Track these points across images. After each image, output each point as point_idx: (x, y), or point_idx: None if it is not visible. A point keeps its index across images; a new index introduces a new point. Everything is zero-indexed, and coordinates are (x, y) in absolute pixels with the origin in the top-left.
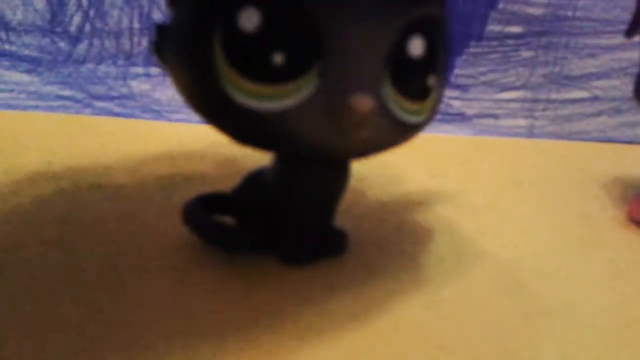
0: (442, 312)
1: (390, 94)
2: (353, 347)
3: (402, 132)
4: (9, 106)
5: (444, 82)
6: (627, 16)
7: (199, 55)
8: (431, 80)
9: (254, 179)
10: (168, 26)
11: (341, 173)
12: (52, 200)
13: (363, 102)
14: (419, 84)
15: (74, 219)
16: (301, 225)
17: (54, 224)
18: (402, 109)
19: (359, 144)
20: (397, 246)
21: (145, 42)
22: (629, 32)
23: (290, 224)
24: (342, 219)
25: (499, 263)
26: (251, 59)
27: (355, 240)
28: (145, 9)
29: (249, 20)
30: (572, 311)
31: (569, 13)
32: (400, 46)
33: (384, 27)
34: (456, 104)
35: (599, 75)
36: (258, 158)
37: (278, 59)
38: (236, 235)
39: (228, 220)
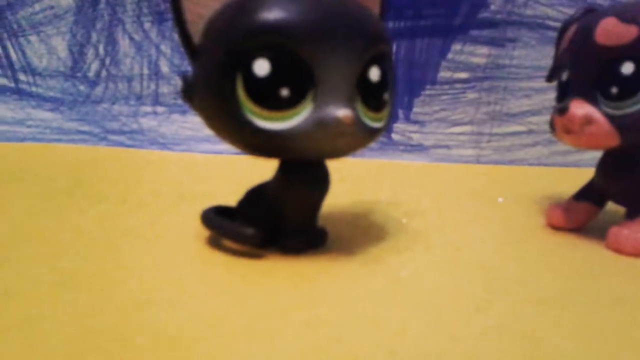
0: (400, 287)
1: (360, 108)
2: (334, 310)
3: (370, 135)
4: (35, 139)
5: (394, 95)
6: None
7: (226, 94)
8: (386, 96)
9: (256, 192)
10: (194, 76)
11: (325, 180)
12: (89, 217)
13: (346, 114)
14: (378, 99)
15: (106, 228)
16: (295, 224)
17: (88, 237)
18: (369, 118)
19: (343, 146)
20: (365, 241)
21: (153, 85)
22: (549, 78)
23: (287, 224)
24: (323, 221)
25: (442, 254)
26: (265, 94)
27: (333, 237)
28: (154, 58)
29: (262, 67)
30: (497, 282)
31: (507, 61)
32: (364, 75)
33: (354, 63)
34: (415, 136)
35: (533, 112)
36: (248, 180)
37: (284, 92)
38: (251, 233)
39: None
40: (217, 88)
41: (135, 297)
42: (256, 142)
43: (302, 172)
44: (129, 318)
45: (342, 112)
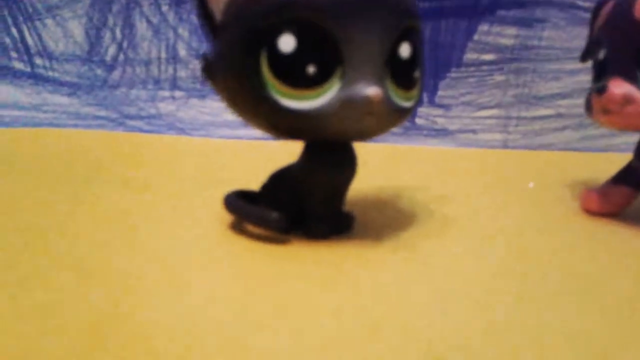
0: (432, 275)
1: (390, 86)
2: (362, 297)
3: (400, 115)
4: (52, 125)
5: (424, 73)
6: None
7: (249, 71)
8: (416, 73)
9: (280, 176)
10: (215, 55)
11: (352, 163)
12: (110, 202)
13: (376, 92)
14: (408, 77)
15: (126, 214)
16: (321, 208)
17: (107, 223)
18: (398, 96)
19: (372, 126)
20: (393, 227)
21: (170, 69)
22: (583, 57)
23: (313, 208)
24: (350, 207)
25: (474, 240)
26: (291, 71)
27: (360, 222)
28: (171, 41)
29: (287, 43)
30: (533, 270)
31: (535, 42)
32: (394, 51)
33: (383, 39)
34: (440, 120)
35: (563, 95)
36: (269, 165)
37: (311, 69)
38: (275, 217)
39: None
40: (240, 66)
41: (157, 283)
42: (281, 122)
43: (328, 154)
44: (151, 304)
45: (372, 91)
